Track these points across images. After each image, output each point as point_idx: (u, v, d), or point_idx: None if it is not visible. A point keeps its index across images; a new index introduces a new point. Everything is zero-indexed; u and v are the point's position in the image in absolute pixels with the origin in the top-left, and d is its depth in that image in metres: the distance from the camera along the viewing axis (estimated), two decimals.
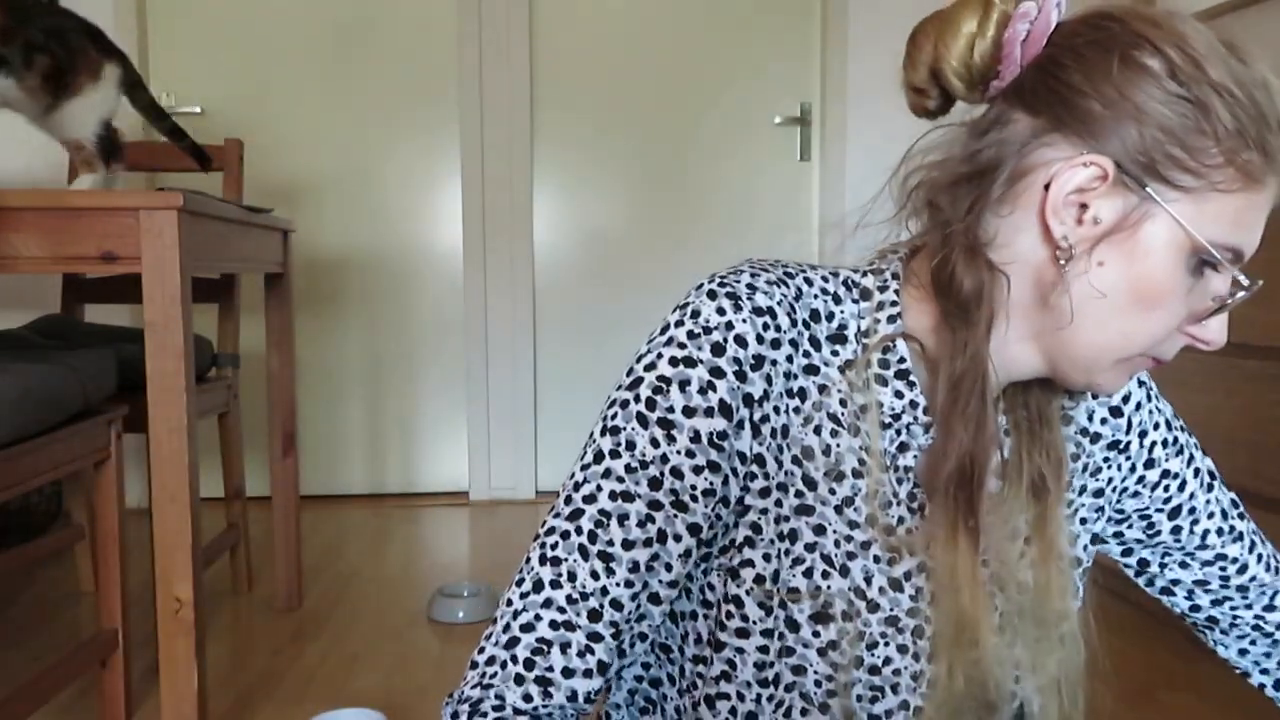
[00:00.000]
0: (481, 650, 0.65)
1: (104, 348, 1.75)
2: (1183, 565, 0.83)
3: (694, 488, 0.64)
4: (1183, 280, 0.62)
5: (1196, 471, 0.81)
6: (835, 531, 0.68)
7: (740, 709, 0.69)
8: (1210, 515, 0.81)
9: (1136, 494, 0.80)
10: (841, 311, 0.69)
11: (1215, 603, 0.84)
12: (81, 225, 1.46)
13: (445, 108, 3.24)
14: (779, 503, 0.67)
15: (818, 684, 0.68)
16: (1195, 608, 0.86)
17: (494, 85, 3.23)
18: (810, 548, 0.68)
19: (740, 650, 0.68)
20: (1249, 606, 0.84)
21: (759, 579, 0.67)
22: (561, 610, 0.63)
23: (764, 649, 0.68)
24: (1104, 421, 0.78)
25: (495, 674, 0.63)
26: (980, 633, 0.68)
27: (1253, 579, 0.83)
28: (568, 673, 0.63)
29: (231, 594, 2.34)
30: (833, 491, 0.67)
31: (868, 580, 0.68)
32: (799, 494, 0.67)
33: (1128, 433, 0.78)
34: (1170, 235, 0.61)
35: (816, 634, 0.68)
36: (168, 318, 1.47)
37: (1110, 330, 0.63)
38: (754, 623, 0.68)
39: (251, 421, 2.74)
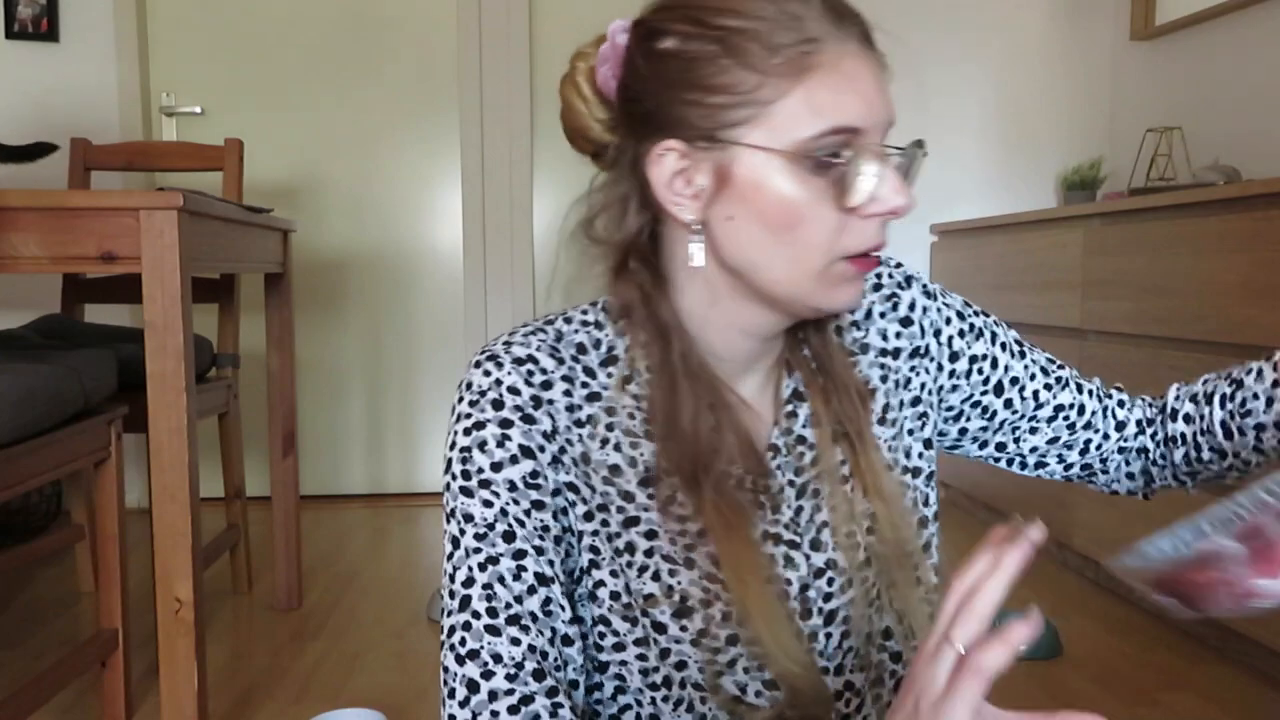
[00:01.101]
0: None
1: (104, 348, 1.75)
2: (1033, 431, 0.87)
3: (536, 528, 0.68)
4: (808, 187, 0.64)
5: (1004, 346, 0.85)
6: (667, 531, 0.70)
7: (643, 714, 0.72)
8: (1033, 377, 0.86)
9: (955, 387, 0.84)
10: (606, 335, 0.74)
11: (1082, 451, 0.88)
12: (81, 225, 1.46)
13: (445, 108, 3.24)
14: (605, 522, 0.71)
15: (701, 671, 0.70)
16: (1068, 465, 0.89)
17: (494, 85, 3.23)
18: (649, 553, 0.70)
19: (623, 663, 0.72)
20: (1106, 436, 0.88)
21: (614, 595, 0.71)
22: (510, 692, 0.64)
23: (643, 656, 0.71)
24: (899, 335, 0.81)
25: None
26: (751, 615, 0.69)
27: (1093, 413, 0.87)
28: None
29: (231, 594, 2.34)
30: (651, 497, 0.71)
31: (716, 564, 0.70)
32: (620, 509, 0.71)
33: (923, 336, 0.82)
34: (764, 161, 0.64)
35: (684, 628, 0.70)
36: (168, 318, 1.47)
37: (780, 263, 0.66)
38: (625, 635, 0.71)
39: (251, 421, 2.75)
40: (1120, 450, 0.89)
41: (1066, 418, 0.87)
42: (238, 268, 2.12)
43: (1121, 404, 0.89)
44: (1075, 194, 3.11)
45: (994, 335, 0.85)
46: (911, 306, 0.81)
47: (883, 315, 0.81)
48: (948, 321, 0.83)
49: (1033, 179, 3.32)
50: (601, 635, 0.72)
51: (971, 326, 0.84)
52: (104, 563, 1.60)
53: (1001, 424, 0.86)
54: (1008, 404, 0.85)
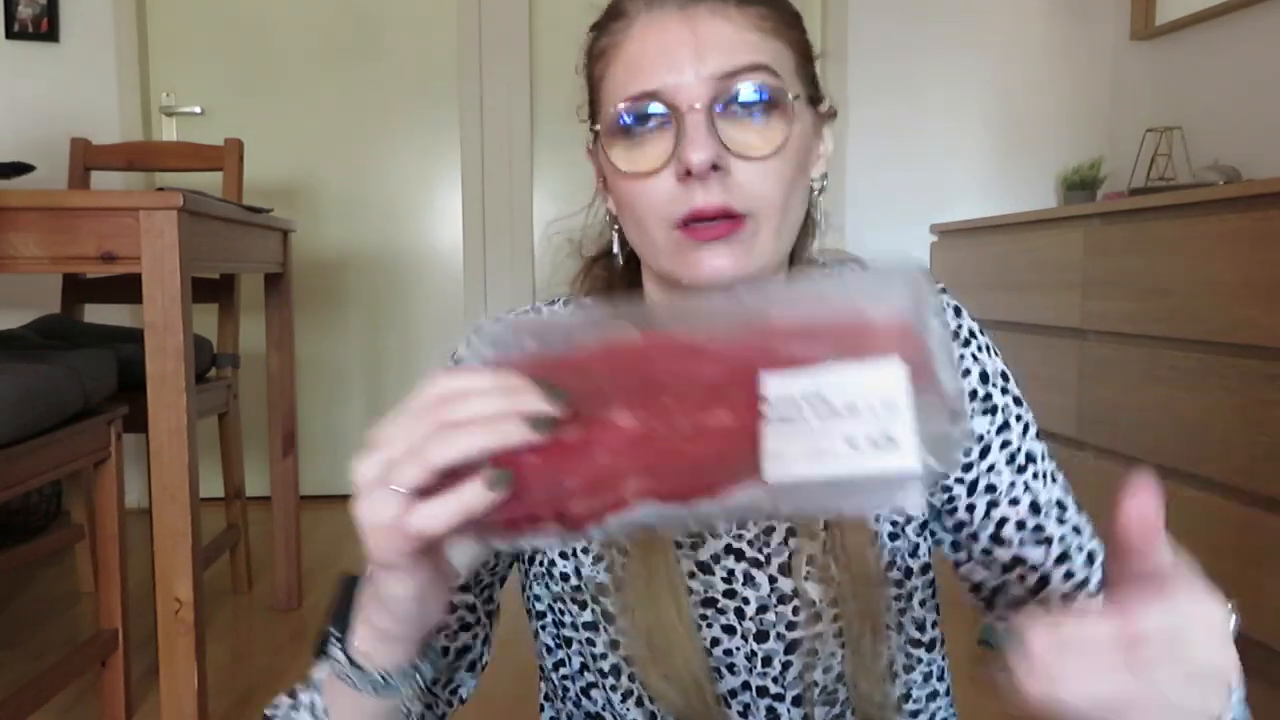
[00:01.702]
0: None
1: (104, 348, 1.75)
2: (985, 566, 0.72)
3: None
4: (621, 160, 0.64)
5: (1005, 444, 0.70)
6: None
7: (601, 697, 0.73)
8: (1014, 502, 0.70)
9: None
10: None
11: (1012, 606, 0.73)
12: (81, 225, 1.46)
13: (445, 108, 3.24)
14: None
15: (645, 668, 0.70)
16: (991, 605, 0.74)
17: (494, 85, 3.23)
18: (605, 544, 0.70)
19: (581, 643, 0.73)
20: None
21: (564, 577, 0.72)
22: None
23: (592, 642, 0.72)
24: None
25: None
26: (637, 610, 0.68)
27: (1053, 594, 0.70)
28: None
29: (231, 594, 2.34)
30: None
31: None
32: None
33: None
34: (601, 145, 0.66)
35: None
36: (168, 318, 1.47)
37: (642, 243, 0.67)
38: (576, 617, 0.72)
39: (251, 421, 2.74)
40: None
41: (1022, 577, 0.70)
42: (238, 268, 2.12)
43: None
44: (1075, 194, 3.11)
45: (1004, 425, 0.71)
46: None
47: None
48: (965, 373, 0.71)
49: (1033, 179, 3.32)
50: (563, 613, 0.73)
51: (987, 397, 0.70)
52: (104, 563, 1.59)
53: (960, 529, 0.72)
54: (969, 508, 0.71)
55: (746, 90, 0.61)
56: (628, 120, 0.62)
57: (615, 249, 0.72)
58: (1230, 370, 1.87)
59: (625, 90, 0.63)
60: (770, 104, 0.62)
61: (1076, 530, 0.71)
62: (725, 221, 0.61)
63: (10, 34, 2.97)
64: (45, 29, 2.98)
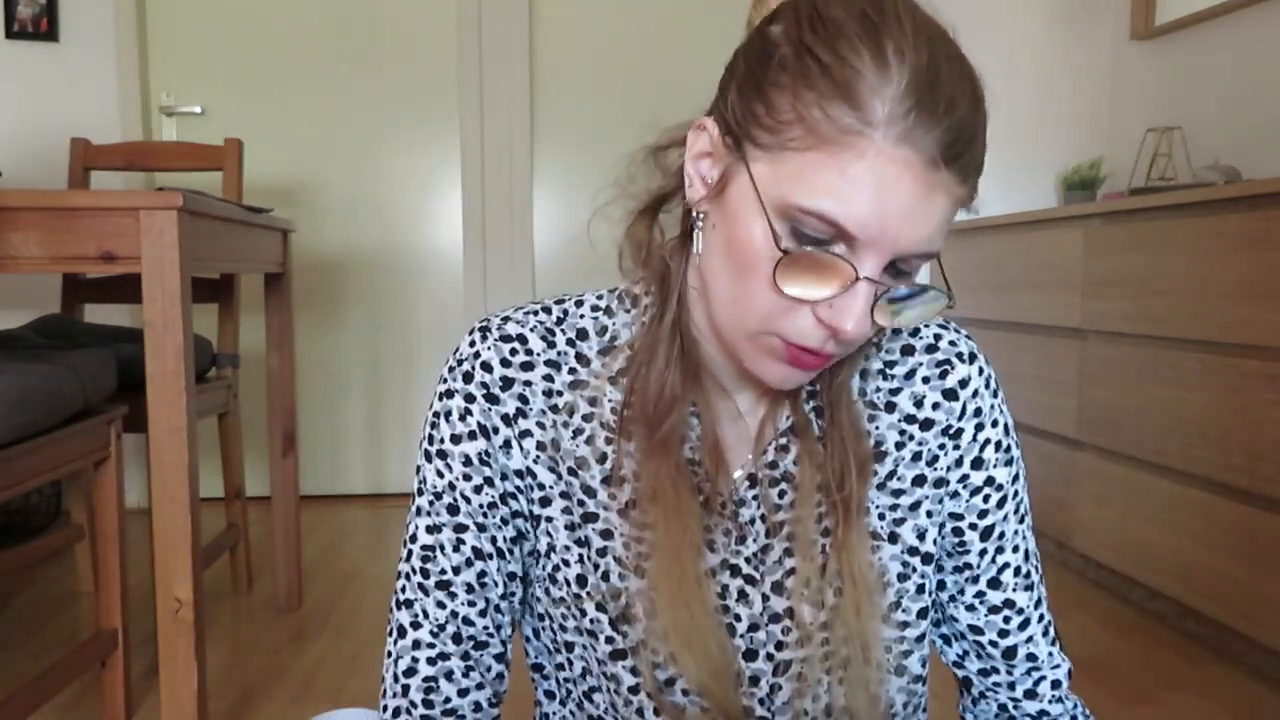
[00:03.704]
0: (385, 707, 0.71)
1: (104, 348, 1.75)
2: (970, 608, 0.77)
3: (481, 506, 0.70)
4: (771, 250, 0.57)
5: (1016, 494, 0.75)
6: (623, 535, 0.69)
7: (605, 700, 0.72)
8: (1016, 549, 0.76)
9: (956, 494, 0.74)
10: (613, 323, 0.71)
11: (982, 672, 0.79)
12: (81, 225, 1.46)
13: (445, 108, 3.24)
14: (567, 510, 0.70)
15: (646, 680, 0.69)
16: (959, 665, 0.80)
17: (494, 85, 3.23)
18: (602, 553, 0.69)
19: (585, 648, 0.72)
20: (1011, 686, 0.78)
21: (565, 583, 0.71)
22: (431, 645, 0.70)
23: (591, 648, 0.71)
24: (936, 406, 0.72)
25: None
26: (664, 604, 0.67)
27: (1029, 640, 0.76)
28: (463, 693, 0.70)
29: (231, 594, 2.34)
30: (613, 497, 0.69)
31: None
32: (581, 502, 0.70)
33: (961, 418, 0.73)
34: (752, 195, 0.58)
35: (624, 634, 0.69)
36: (168, 318, 1.47)
37: (724, 297, 0.62)
38: (581, 623, 0.71)
39: (251, 421, 2.74)
40: (1001, 707, 0.79)
41: (1006, 620, 0.76)
42: (238, 268, 2.11)
43: (1056, 685, 0.78)
44: (1075, 194, 3.11)
45: (1016, 476, 0.75)
46: (964, 383, 0.73)
47: (926, 380, 0.72)
48: (994, 424, 0.73)
49: (1033, 179, 3.32)
50: (565, 617, 0.72)
51: (1009, 449, 0.75)
52: (104, 563, 1.59)
53: (961, 569, 0.76)
54: (982, 553, 0.75)
55: (910, 279, 0.60)
56: (802, 227, 0.56)
57: (697, 249, 0.65)
58: (1230, 370, 1.88)
59: (823, 201, 0.55)
60: (914, 282, 0.60)
61: (1040, 576, 0.78)
62: (824, 357, 0.61)
63: (10, 34, 2.97)
64: (45, 29, 2.98)
